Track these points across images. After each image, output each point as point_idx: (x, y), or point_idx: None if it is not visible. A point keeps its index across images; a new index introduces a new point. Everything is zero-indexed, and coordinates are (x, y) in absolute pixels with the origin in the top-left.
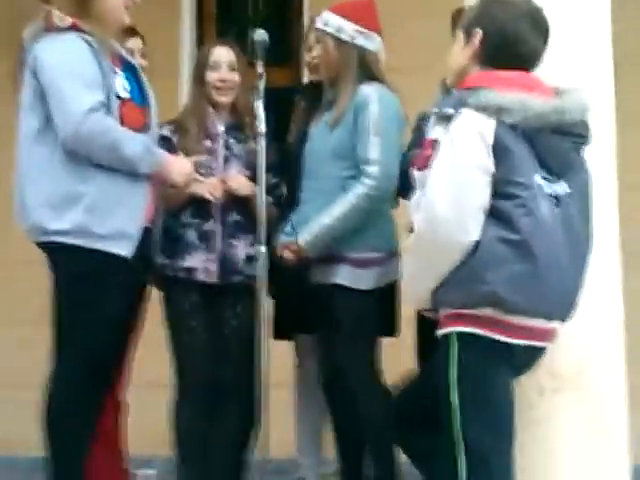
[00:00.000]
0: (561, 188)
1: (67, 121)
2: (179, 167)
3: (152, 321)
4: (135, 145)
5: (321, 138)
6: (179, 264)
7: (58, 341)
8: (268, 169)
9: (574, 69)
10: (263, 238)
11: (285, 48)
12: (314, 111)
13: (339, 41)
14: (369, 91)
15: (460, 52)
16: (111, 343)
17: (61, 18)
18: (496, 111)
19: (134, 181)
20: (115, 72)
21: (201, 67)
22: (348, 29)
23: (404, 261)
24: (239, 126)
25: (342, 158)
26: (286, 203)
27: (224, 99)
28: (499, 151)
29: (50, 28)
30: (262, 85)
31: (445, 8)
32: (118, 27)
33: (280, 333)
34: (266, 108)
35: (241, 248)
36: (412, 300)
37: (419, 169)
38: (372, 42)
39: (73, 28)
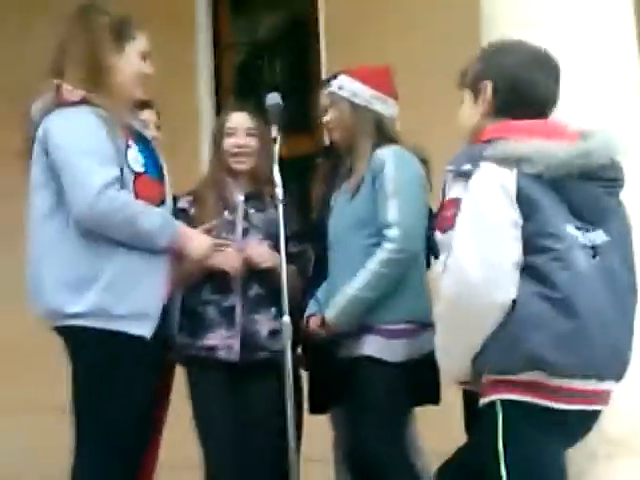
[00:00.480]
0: (598, 237)
1: (81, 199)
2: (198, 241)
3: (180, 400)
4: (153, 218)
5: (342, 208)
6: (200, 343)
7: (80, 427)
8: (291, 237)
9: (603, 107)
10: (286, 309)
11: (305, 115)
12: (334, 177)
13: (354, 105)
14: (385, 154)
15: (471, 109)
16: (135, 429)
17: (71, 92)
18: (516, 162)
19: (151, 257)
20: (128, 145)
21: (218, 134)
22: (363, 94)
23: (437, 333)
24: (259, 195)
25: (364, 226)
26: (314, 275)
27: (242, 167)
28: (525, 203)
29: (60, 102)
30: (277, 149)
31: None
32: (131, 100)
33: (315, 407)
34: (289, 178)
35: (264, 323)
36: (450, 375)
37: (442, 231)
38: (388, 107)
39: (84, 102)
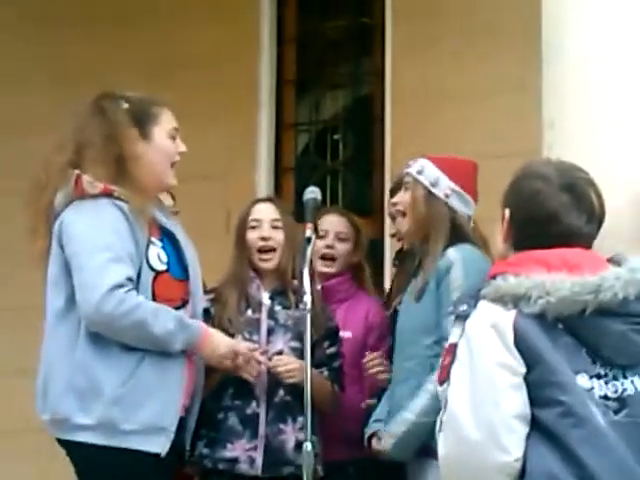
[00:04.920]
0: (629, 385)
1: (88, 300)
2: (215, 344)
3: None
4: (166, 322)
5: (407, 312)
6: (219, 454)
7: None
8: (324, 338)
9: None
10: (310, 428)
11: (367, 199)
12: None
13: (430, 195)
14: (453, 255)
15: (499, 236)
16: None
17: (91, 183)
18: (513, 301)
19: (168, 363)
20: (151, 242)
21: (241, 227)
22: (443, 184)
23: None
24: (285, 290)
25: (427, 334)
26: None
27: (267, 265)
28: (525, 348)
29: (80, 194)
30: (310, 251)
31: None
32: (162, 190)
33: None
34: None
35: (291, 433)
36: None
37: (440, 383)
38: (465, 205)
39: (105, 194)
